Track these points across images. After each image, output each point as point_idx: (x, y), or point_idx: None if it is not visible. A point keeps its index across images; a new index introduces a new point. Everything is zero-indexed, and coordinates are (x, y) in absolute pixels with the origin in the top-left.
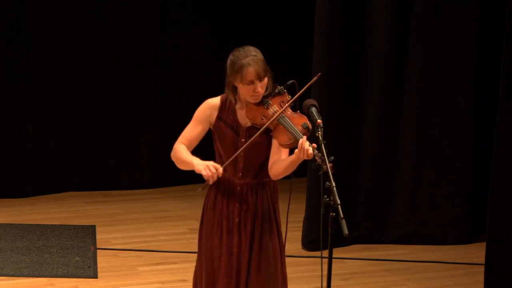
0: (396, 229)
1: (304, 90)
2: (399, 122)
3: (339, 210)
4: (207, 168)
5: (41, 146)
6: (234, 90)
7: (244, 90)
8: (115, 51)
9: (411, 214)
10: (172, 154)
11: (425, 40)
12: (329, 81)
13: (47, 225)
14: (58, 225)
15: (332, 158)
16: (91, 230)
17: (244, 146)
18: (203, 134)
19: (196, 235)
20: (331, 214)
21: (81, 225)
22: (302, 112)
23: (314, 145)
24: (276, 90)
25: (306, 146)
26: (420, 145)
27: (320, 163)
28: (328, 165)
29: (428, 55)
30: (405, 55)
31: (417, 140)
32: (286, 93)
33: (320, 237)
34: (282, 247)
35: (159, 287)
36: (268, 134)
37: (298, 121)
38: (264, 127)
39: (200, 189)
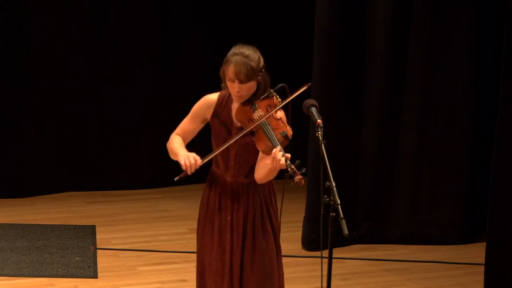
0: (396, 229)
1: (291, 99)
2: (399, 122)
3: (339, 210)
4: (187, 158)
5: (41, 146)
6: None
7: (228, 85)
8: (115, 51)
9: (411, 214)
10: (168, 144)
11: (425, 40)
12: (329, 81)
13: (47, 225)
14: (58, 225)
15: (304, 170)
16: (91, 230)
17: (223, 145)
18: (197, 130)
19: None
20: (331, 214)
21: (81, 225)
22: (302, 112)
23: (288, 155)
24: (266, 93)
25: (279, 157)
26: (420, 145)
27: (291, 174)
28: (299, 176)
29: (428, 55)
30: (405, 55)
31: (417, 140)
32: (275, 97)
33: (320, 237)
34: (278, 247)
35: (159, 287)
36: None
37: (279, 129)
38: (246, 131)
39: (176, 178)
